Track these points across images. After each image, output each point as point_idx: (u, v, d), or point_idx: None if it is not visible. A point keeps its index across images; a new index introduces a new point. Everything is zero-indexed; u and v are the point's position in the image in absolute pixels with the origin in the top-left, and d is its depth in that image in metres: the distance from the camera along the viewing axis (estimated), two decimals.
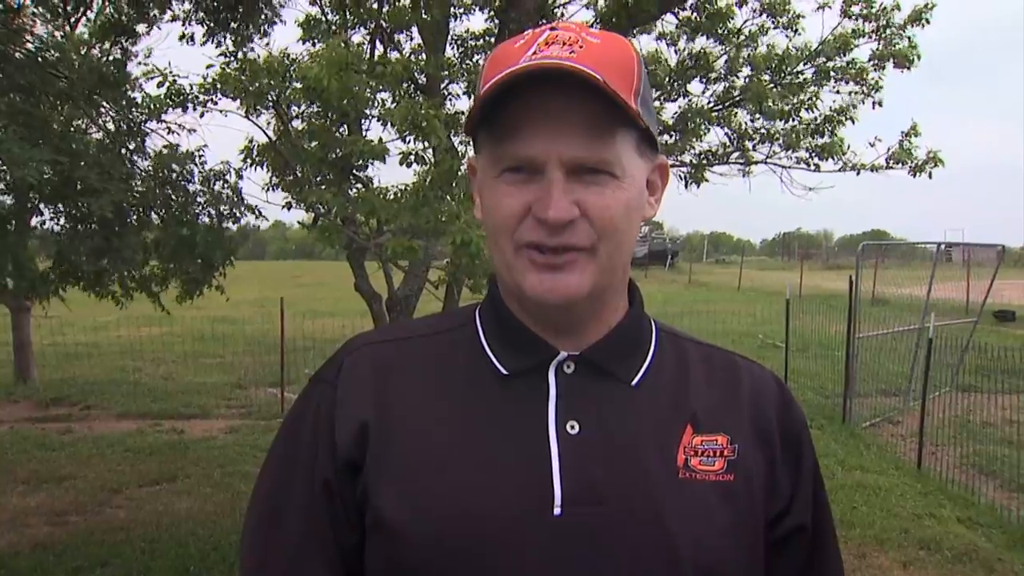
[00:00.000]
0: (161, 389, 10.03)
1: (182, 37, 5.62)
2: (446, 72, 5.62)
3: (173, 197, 5.11)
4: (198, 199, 5.27)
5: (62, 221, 4.93)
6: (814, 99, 6.64)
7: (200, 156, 5.29)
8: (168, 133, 5.39)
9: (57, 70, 4.56)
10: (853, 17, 6.66)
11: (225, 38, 5.48)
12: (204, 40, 5.47)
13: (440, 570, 0.84)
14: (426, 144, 4.23)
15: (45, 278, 4.87)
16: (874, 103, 6.80)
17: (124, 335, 11.20)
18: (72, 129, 4.98)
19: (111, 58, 5.56)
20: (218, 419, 8.71)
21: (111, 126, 5.31)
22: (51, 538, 5.13)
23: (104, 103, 4.96)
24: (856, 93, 6.73)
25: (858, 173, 6.87)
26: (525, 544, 0.84)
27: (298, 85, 4.31)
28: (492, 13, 5.93)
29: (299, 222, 5.53)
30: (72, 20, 5.68)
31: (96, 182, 4.22)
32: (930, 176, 6.68)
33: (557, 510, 0.85)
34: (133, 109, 5.15)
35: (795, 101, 6.52)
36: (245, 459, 7.00)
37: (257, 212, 5.44)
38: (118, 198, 4.33)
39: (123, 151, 5.05)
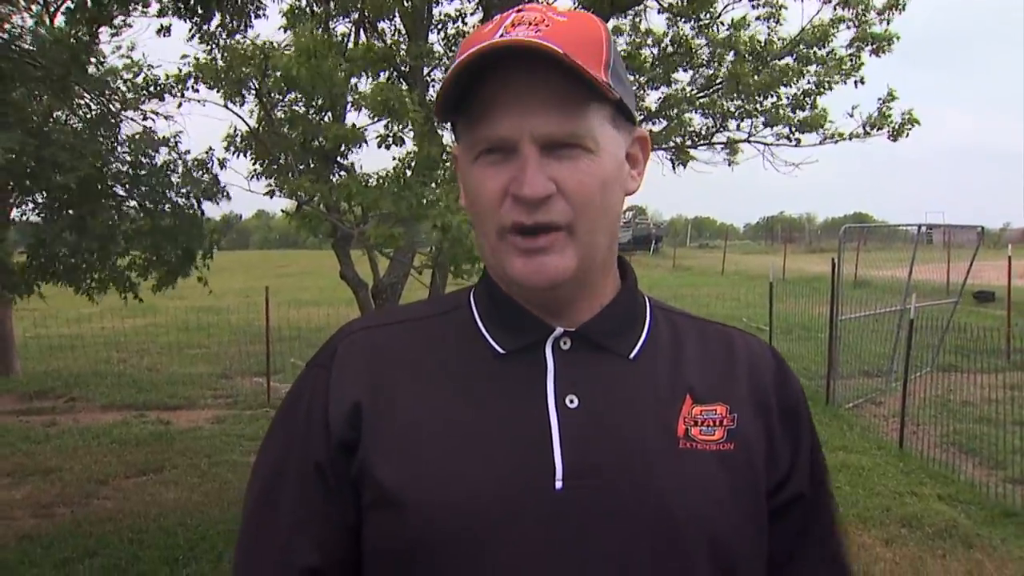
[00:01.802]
0: (146, 380, 9.98)
1: (160, 30, 5.57)
2: (427, 59, 5.60)
3: (154, 182, 5.06)
4: (181, 189, 5.23)
5: (38, 210, 4.89)
6: (793, 77, 6.68)
7: (176, 143, 5.25)
8: (143, 119, 5.34)
9: (33, 59, 4.49)
10: (833, 3, 6.70)
11: (203, 28, 5.42)
12: (191, 35, 5.41)
13: (443, 546, 0.85)
14: (400, 126, 4.21)
15: (22, 272, 4.82)
16: (856, 82, 6.86)
17: (108, 326, 11.13)
18: (52, 120, 4.92)
19: (81, 37, 5.48)
20: (204, 409, 8.69)
21: (84, 112, 5.24)
22: (38, 530, 5.11)
23: (78, 87, 4.88)
24: (836, 81, 6.79)
25: (836, 142, 6.95)
26: (528, 518, 0.84)
27: (278, 74, 4.28)
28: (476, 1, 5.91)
29: (282, 210, 5.48)
30: (51, 10, 5.59)
31: (67, 160, 4.17)
32: (907, 135, 6.78)
33: (559, 483, 0.85)
34: (109, 95, 5.08)
35: (772, 80, 6.55)
36: (232, 449, 6.99)
37: (225, 192, 5.38)
38: (86, 172, 4.26)
39: (98, 134, 4.98)
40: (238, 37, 5.57)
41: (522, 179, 0.85)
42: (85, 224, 4.68)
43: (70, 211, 4.64)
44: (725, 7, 6.64)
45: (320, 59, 3.94)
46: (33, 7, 5.40)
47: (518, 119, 0.84)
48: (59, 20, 6.01)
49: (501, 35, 0.85)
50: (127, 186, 5.02)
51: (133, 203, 5.22)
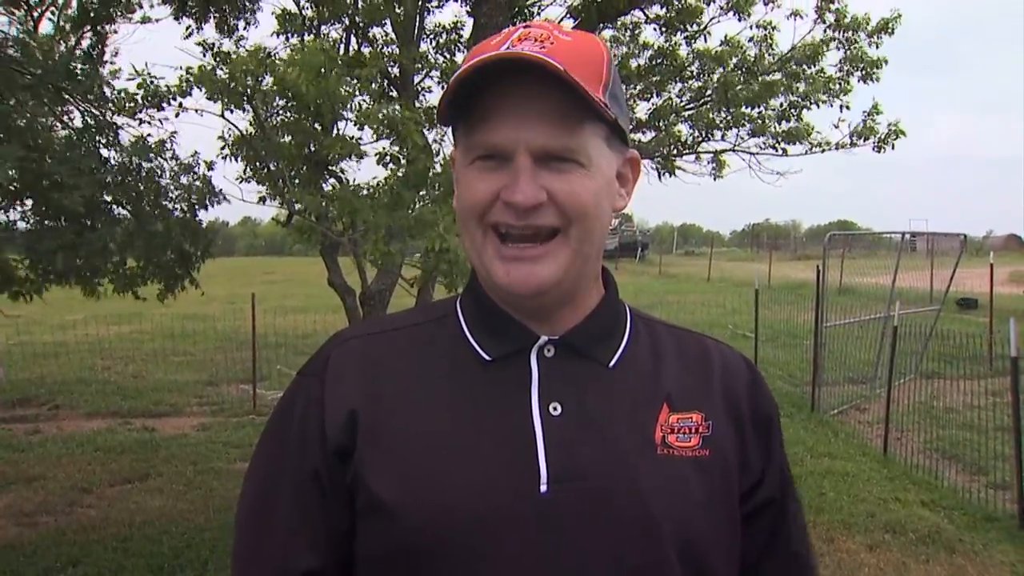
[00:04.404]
0: (131, 387, 9.90)
1: (178, 18, 5.54)
2: (419, 65, 5.61)
3: (143, 188, 5.04)
4: (169, 194, 5.21)
5: (30, 219, 4.84)
6: (781, 89, 6.73)
7: (171, 145, 5.22)
8: (139, 124, 5.32)
9: (21, 67, 4.47)
10: (825, 25, 6.75)
11: (203, 27, 5.44)
12: (187, 35, 5.40)
13: (433, 550, 0.87)
14: (401, 148, 4.24)
15: (24, 279, 4.80)
16: (842, 106, 6.94)
17: (92, 333, 11.04)
18: (39, 126, 4.89)
19: (79, 53, 5.46)
20: (190, 416, 8.63)
21: (79, 123, 5.22)
22: (20, 539, 5.06)
23: (71, 99, 4.87)
24: (824, 101, 6.85)
25: (823, 151, 7.00)
26: (514, 522, 0.87)
27: (272, 83, 4.28)
28: (466, 9, 5.94)
29: (274, 219, 5.47)
30: (36, 15, 5.56)
31: (66, 177, 4.16)
32: (893, 147, 6.84)
33: (543, 488, 0.88)
34: (103, 104, 5.05)
35: (761, 90, 6.60)
36: (218, 456, 6.95)
37: (222, 196, 5.36)
38: (89, 192, 4.26)
39: (93, 145, 4.95)
40: (232, 44, 5.59)
41: (515, 187, 0.88)
42: (82, 240, 4.63)
43: (63, 220, 4.59)
44: (711, 20, 6.69)
45: (330, 78, 3.95)
46: (17, 12, 5.37)
47: (515, 129, 0.87)
48: (44, 27, 6.00)
49: (507, 48, 0.88)
50: (118, 195, 4.99)
51: (124, 212, 5.18)
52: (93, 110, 5.03)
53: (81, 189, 4.18)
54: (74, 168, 4.28)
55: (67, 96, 4.74)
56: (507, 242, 0.90)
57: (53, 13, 6.05)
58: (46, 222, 4.70)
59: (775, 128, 6.94)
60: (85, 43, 5.71)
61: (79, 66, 4.98)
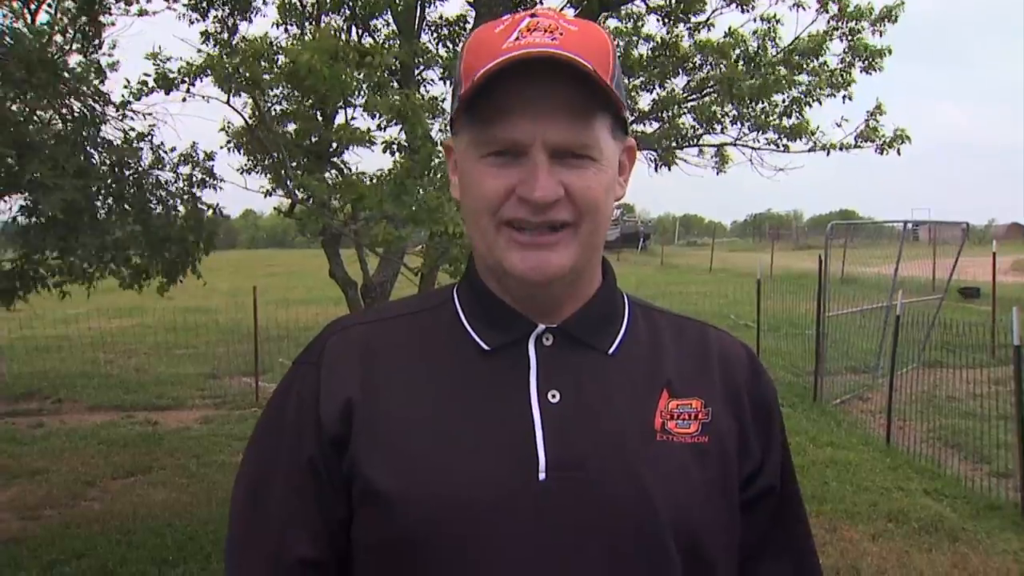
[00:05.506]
0: (133, 381, 9.92)
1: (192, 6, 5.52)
2: (420, 59, 5.59)
3: (135, 190, 5.02)
4: (170, 187, 5.19)
5: (20, 217, 4.83)
6: (786, 85, 6.68)
7: (153, 134, 5.19)
8: (122, 119, 5.29)
9: (16, 58, 4.44)
10: (828, 16, 6.69)
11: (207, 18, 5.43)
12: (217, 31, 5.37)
13: (430, 539, 0.87)
14: (409, 134, 4.23)
15: (11, 278, 4.80)
16: (844, 97, 6.90)
17: (94, 327, 11.05)
18: (33, 120, 4.87)
19: (74, 46, 5.44)
20: (192, 409, 8.65)
21: (70, 117, 5.19)
22: (24, 532, 5.08)
23: (63, 92, 4.84)
24: (826, 95, 6.81)
25: (828, 153, 6.96)
26: (512, 509, 0.87)
27: (278, 69, 4.27)
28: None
29: (276, 208, 5.47)
30: (33, 7, 5.53)
31: (47, 178, 4.12)
32: (899, 152, 6.80)
33: (542, 475, 0.88)
34: (95, 98, 5.03)
35: (765, 85, 6.54)
36: (220, 449, 6.96)
37: (220, 182, 5.34)
38: (70, 196, 4.21)
39: (79, 140, 4.92)
40: (237, 34, 5.57)
41: (533, 183, 0.87)
42: (71, 242, 4.61)
43: (46, 219, 4.56)
44: (714, 11, 6.64)
45: (341, 63, 3.94)
46: (14, 3, 5.35)
47: (533, 125, 0.87)
48: (41, 17, 5.97)
49: (516, 38, 0.88)
50: (111, 200, 4.97)
51: (121, 210, 5.16)
52: (82, 103, 5.00)
53: (64, 191, 4.13)
54: (57, 167, 4.23)
55: (62, 88, 4.70)
56: (522, 230, 0.90)
57: (50, 5, 6.02)
58: (34, 220, 4.67)
59: (777, 122, 6.90)
60: (81, 35, 5.69)
61: (75, 55, 4.97)
